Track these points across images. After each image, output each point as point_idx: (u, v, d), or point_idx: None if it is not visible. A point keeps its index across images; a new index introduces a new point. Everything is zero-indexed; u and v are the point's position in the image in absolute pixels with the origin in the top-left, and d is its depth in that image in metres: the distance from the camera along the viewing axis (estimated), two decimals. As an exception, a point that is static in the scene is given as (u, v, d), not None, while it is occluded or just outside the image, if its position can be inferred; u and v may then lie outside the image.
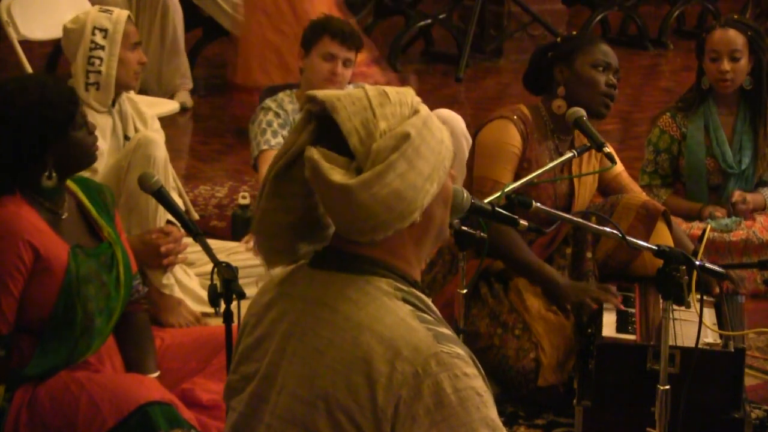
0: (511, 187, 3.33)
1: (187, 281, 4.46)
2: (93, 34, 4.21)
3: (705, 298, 3.14)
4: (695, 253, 3.49)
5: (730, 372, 3.49)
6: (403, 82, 6.51)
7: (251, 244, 4.44)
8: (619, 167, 4.21)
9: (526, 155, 4.03)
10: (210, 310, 2.98)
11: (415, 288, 2.15)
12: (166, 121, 5.38)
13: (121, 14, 4.27)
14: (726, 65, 4.80)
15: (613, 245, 4.04)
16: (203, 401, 3.33)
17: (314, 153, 2.07)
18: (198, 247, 3.20)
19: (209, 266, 2.95)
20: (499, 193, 3.19)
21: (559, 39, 4.24)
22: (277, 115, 4.89)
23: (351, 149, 2.06)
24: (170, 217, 3.98)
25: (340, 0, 6.54)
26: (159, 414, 3.03)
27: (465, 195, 2.62)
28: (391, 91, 2.13)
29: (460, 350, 2.06)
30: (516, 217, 2.92)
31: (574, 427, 3.56)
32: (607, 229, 3.09)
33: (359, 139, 2.06)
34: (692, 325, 3.38)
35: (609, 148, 3.76)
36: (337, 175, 2.04)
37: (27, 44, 6.10)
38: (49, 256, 3.08)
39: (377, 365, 2.03)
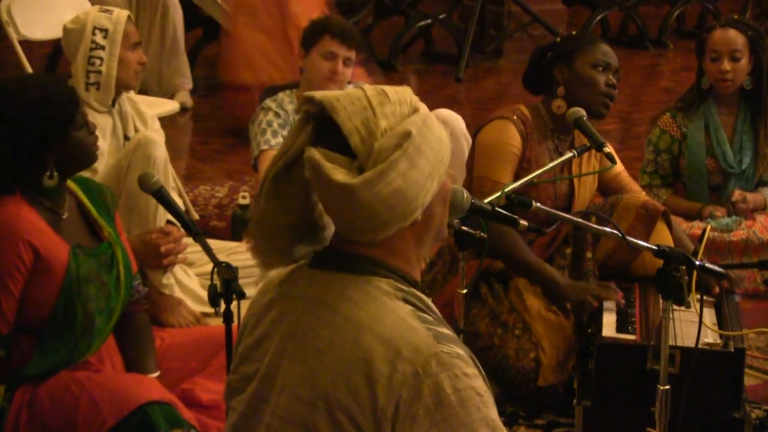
0: (511, 187, 3.32)
1: (187, 281, 4.45)
2: (93, 34, 4.21)
3: (705, 298, 3.14)
4: (695, 253, 3.49)
5: (730, 372, 3.48)
6: (402, 83, 6.50)
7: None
8: (619, 167, 4.21)
9: (526, 155, 4.02)
10: (210, 310, 2.98)
11: (415, 288, 2.15)
12: (166, 121, 5.38)
13: (121, 14, 4.27)
14: (726, 65, 4.80)
15: (613, 245, 4.03)
16: (203, 401, 3.32)
17: (315, 153, 2.06)
18: (198, 247, 3.20)
19: (209, 266, 2.94)
20: (499, 193, 3.19)
21: (559, 39, 4.23)
22: (277, 115, 4.89)
23: (352, 149, 2.05)
24: (170, 217, 3.98)
25: (330, 0, 6.54)
26: (159, 414, 3.02)
27: (465, 195, 2.62)
28: (390, 90, 2.13)
29: (461, 350, 2.06)
30: (516, 217, 2.92)
31: (574, 427, 3.55)
32: (607, 229, 3.08)
33: (360, 138, 2.05)
34: (692, 325, 3.38)
35: (609, 148, 3.76)
36: (339, 174, 2.04)
37: (27, 44, 6.10)
38: (49, 256, 3.07)
39: (377, 365, 2.03)
